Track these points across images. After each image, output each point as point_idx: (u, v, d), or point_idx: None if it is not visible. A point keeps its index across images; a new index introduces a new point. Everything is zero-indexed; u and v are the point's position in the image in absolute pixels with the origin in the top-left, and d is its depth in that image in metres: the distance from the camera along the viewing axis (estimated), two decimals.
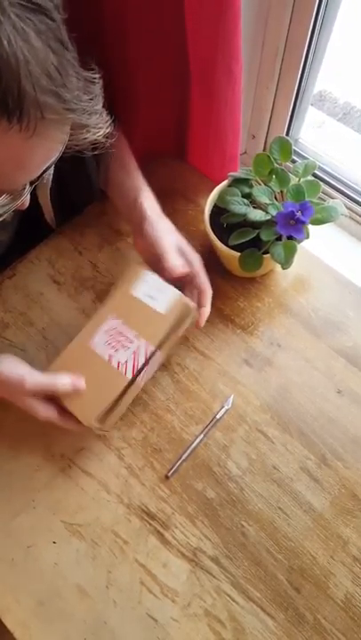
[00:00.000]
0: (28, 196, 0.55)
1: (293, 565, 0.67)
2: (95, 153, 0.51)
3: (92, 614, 0.64)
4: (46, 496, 0.70)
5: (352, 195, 0.95)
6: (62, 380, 0.65)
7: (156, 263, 0.71)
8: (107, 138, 0.49)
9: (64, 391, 0.65)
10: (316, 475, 0.71)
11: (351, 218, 0.96)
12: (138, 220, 0.75)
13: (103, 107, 0.47)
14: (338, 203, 0.76)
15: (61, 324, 0.81)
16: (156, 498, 0.70)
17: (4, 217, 0.54)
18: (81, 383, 0.66)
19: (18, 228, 0.86)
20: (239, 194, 0.76)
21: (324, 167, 0.98)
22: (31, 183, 0.53)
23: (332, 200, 0.77)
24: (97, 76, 0.46)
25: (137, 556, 0.67)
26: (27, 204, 0.55)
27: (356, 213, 0.96)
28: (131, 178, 0.81)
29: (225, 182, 0.81)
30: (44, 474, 0.71)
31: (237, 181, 0.78)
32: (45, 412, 0.66)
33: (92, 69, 0.45)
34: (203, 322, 0.72)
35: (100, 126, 0.47)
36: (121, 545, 0.67)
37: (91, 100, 0.45)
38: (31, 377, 0.65)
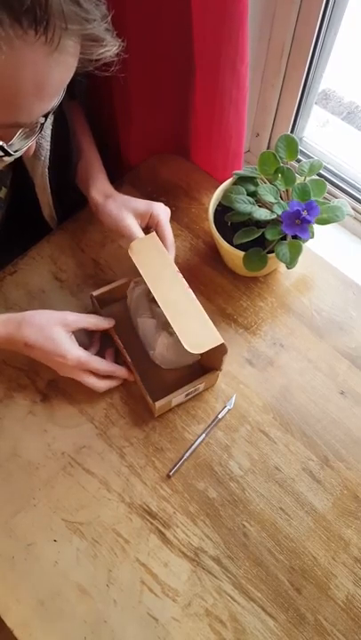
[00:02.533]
0: (33, 144, 0.55)
1: (295, 566, 0.66)
2: (106, 74, 0.50)
3: (92, 613, 0.64)
4: (47, 494, 0.70)
5: (356, 194, 0.95)
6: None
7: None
8: (117, 56, 0.48)
9: (104, 326, 0.73)
10: (319, 476, 0.71)
11: (355, 218, 0.95)
12: (94, 208, 0.79)
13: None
14: (343, 202, 0.75)
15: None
16: (157, 497, 0.70)
17: (15, 157, 0.53)
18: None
19: (16, 227, 0.85)
20: (244, 192, 0.76)
21: (328, 166, 0.97)
22: (41, 122, 0.51)
23: (336, 199, 0.77)
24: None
25: (138, 556, 0.67)
26: (32, 151, 0.56)
27: (359, 212, 0.95)
28: (85, 162, 0.83)
29: (230, 180, 0.80)
30: (44, 472, 0.71)
31: (242, 179, 0.78)
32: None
33: None
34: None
35: (112, 43, 0.47)
36: (122, 544, 0.67)
37: (102, 15, 0.45)
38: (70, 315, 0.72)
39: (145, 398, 0.73)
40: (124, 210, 0.76)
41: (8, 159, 0.53)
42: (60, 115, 0.75)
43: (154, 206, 0.76)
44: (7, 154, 0.51)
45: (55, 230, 0.90)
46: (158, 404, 0.70)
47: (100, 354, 0.75)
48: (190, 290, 0.69)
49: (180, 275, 0.70)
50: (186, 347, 0.64)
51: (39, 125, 0.52)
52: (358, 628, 0.63)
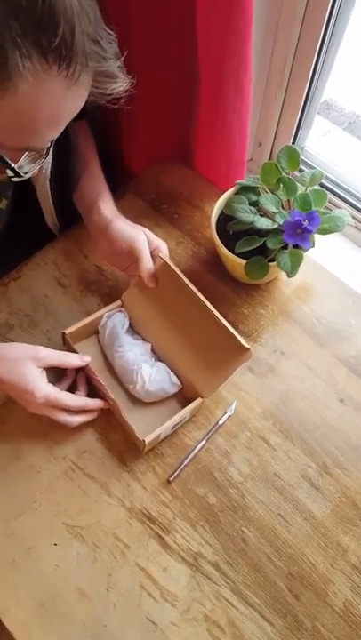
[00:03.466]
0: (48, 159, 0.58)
1: (293, 572, 0.67)
2: (115, 106, 0.53)
3: (91, 617, 0.64)
4: (48, 498, 0.70)
5: (357, 204, 0.96)
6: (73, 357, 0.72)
7: (121, 262, 0.78)
8: (126, 92, 0.53)
9: (77, 364, 0.73)
10: (317, 483, 0.72)
11: (356, 227, 0.96)
12: (101, 224, 0.78)
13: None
14: (344, 212, 0.76)
15: (66, 327, 0.82)
16: (157, 502, 0.70)
17: (24, 178, 0.56)
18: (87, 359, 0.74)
19: (19, 234, 0.86)
20: (246, 201, 0.77)
21: (329, 176, 0.98)
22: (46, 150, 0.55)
23: (338, 209, 0.78)
24: (114, 35, 0.49)
25: (138, 560, 0.67)
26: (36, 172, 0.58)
27: (360, 222, 0.96)
28: (92, 180, 0.84)
29: (232, 190, 0.82)
30: (46, 476, 0.71)
31: (245, 189, 0.79)
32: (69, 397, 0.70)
33: (112, 29, 0.49)
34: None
35: (123, 80, 0.51)
36: (122, 548, 0.68)
37: (115, 54, 0.49)
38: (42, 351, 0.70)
39: (132, 436, 0.71)
40: (140, 229, 0.76)
41: (17, 179, 0.56)
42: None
43: (161, 242, 0.77)
44: (17, 175, 0.54)
45: (59, 237, 0.91)
46: (148, 439, 0.69)
47: (73, 388, 0.74)
48: (208, 302, 0.71)
49: (199, 294, 0.72)
50: (241, 341, 0.68)
51: (46, 150, 0.55)
52: (356, 635, 0.64)
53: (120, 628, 0.64)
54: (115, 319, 0.78)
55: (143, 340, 0.79)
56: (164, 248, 0.77)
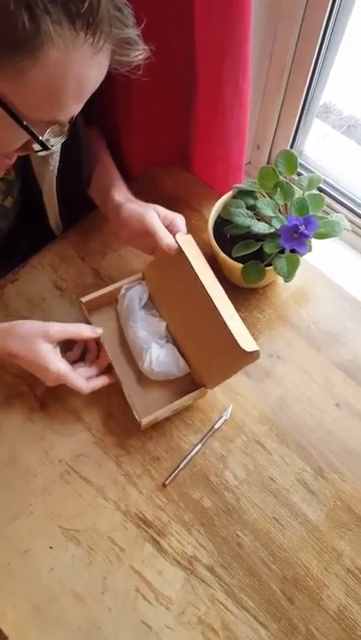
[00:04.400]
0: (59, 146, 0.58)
1: (287, 576, 0.67)
2: (134, 76, 0.54)
3: (86, 620, 0.64)
4: (44, 501, 0.70)
5: (355, 208, 0.96)
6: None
7: (142, 243, 0.76)
8: (146, 60, 0.53)
9: (88, 336, 0.74)
10: (313, 487, 0.72)
11: (353, 231, 0.97)
12: (114, 210, 0.78)
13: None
14: (341, 217, 0.76)
15: None
16: (153, 506, 0.71)
17: (51, 151, 0.56)
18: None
19: (22, 235, 0.86)
20: (243, 206, 0.77)
21: (327, 179, 0.99)
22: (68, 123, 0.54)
23: (335, 214, 0.78)
24: (130, 5, 0.49)
25: (133, 563, 0.67)
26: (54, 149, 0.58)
27: (358, 226, 0.97)
28: (105, 173, 0.84)
29: (229, 193, 0.82)
30: (41, 479, 0.72)
31: (242, 193, 0.79)
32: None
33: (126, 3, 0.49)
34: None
35: (143, 47, 0.51)
36: (117, 552, 0.68)
37: (134, 23, 0.49)
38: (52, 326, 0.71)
39: (132, 412, 0.73)
40: (149, 207, 0.76)
41: (44, 153, 0.56)
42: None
43: (176, 216, 0.76)
44: (45, 148, 0.54)
45: (56, 239, 0.91)
46: (144, 421, 0.70)
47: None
48: (226, 295, 0.70)
49: (216, 279, 0.71)
50: (241, 344, 0.65)
51: (67, 127, 0.55)
52: (349, 639, 0.64)
53: (115, 631, 0.64)
54: (133, 292, 0.80)
55: (160, 317, 0.80)
56: (180, 221, 0.75)
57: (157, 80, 0.81)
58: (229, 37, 0.70)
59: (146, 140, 0.92)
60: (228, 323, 0.66)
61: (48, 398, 0.77)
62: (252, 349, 0.66)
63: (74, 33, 0.43)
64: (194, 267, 0.69)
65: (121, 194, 0.80)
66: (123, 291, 0.80)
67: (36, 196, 0.81)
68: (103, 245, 0.90)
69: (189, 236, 0.74)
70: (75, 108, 0.52)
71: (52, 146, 0.54)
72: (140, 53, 0.51)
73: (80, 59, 0.46)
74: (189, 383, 0.76)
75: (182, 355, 0.77)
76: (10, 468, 0.72)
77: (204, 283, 0.69)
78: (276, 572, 0.67)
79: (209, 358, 0.73)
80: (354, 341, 0.82)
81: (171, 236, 0.72)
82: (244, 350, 0.65)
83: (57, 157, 0.74)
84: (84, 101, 0.52)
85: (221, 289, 0.71)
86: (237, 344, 0.65)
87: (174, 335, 0.79)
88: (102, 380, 0.74)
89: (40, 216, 0.86)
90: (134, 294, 0.80)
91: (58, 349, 0.72)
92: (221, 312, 0.67)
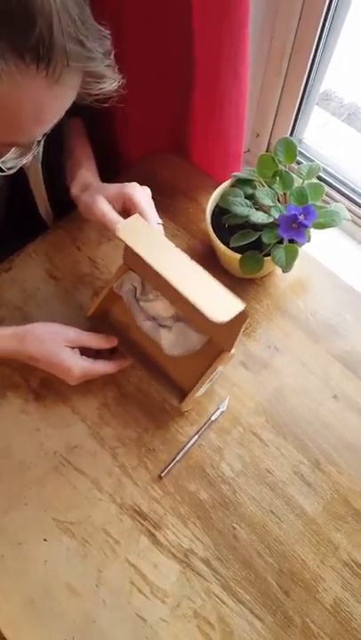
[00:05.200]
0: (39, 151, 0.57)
1: (284, 569, 0.67)
2: (105, 105, 0.53)
3: (81, 613, 0.64)
4: (38, 493, 0.70)
5: (355, 197, 0.95)
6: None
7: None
8: (117, 91, 0.52)
9: (105, 346, 0.74)
10: (310, 479, 0.71)
11: (353, 221, 0.95)
12: (76, 203, 0.77)
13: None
14: (340, 207, 0.75)
15: (57, 320, 0.80)
16: (148, 498, 0.70)
17: (8, 173, 0.55)
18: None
19: (13, 225, 0.84)
20: (242, 195, 0.76)
21: (327, 168, 0.97)
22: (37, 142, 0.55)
23: (334, 204, 0.77)
24: (108, 32, 0.48)
25: (128, 556, 0.67)
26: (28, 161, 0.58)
27: (358, 216, 0.95)
28: (72, 165, 0.82)
29: (228, 182, 0.80)
30: (36, 471, 0.71)
31: (240, 182, 0.78)
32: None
33: (104, 25, 0.47)
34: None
35: (112, 79, 0.50)
36: (112, 544, 0.67)
37: (104, 52, 0.48)
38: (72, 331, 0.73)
39: (167, 399, 0.73)
40: (96, 196, 0.71)
41: (0, 174, 0.55)
42: None
43: (126, 187, 0.71)
44: (0, 170, 0.54)
45: (51, 228, 0.89)
46: (184, 406, 0.70)
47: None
48: (194, 261, 0.63)
49: (178, 249, 0.64)
50: (211, 318, 0.57)
51: (35, 143, 0.54)
52: (345, 632, 0.64)
53: (110, 625, 0.64)
54: (125, 285, 0.76)
55: (157, 298, 0.75)
56: (137, 194, 0.70)
57: (155, 66, 0.80)
58: (228, 23, 0.68)
59: (143, 127, 0.90)
60: (192, 299, 0.59)
61: (43, 389, 0.76)
62: (227, 318, 0.58)
63: (23, 65, 0.42)
64: (139, 253, 0.62)
65: (78, 184, 0.77)
66: (117, 290, 0.77)
67: (24, 186, 0.80)
68: (99, 234, 0.89)
69: (134, 219, 0.66)
70: (38, 132, 0.51)
71: (8, 168, 0.54)
72: (107, 86, 0.50)
73: (35, 89, 0.44)
74: (209, 353, 0.72)
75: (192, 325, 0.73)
76: (4, 459, 0.71)
77: (154, 265, 0.61)
78: (272, 565, 0.67)
79: (211, 325, 0.63)
80: (352, 333, 0.81)
81: (119, 222, 0.68)
82: (219, 321, 0.58)
83: (41, 148, 0.72)
84: (51, 124, 0.51)
85: (184, 258, 0.63)
86: (208, 318, 0.58)
87: (178, 310, 0.74)
88: (125, 361, 0.75)
89: (32, 206, 0.84)
90: (127, 287, 0.77)
91: (77, 351, 0.72)
92: (183, 291, 0.59)
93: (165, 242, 0.64)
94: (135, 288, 0.77)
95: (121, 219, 0.69)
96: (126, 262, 0.76)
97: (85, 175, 0.79)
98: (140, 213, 0.69)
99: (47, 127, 0.51)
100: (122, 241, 0.63)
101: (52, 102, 0.47)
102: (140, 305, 0.76)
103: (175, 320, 0.75)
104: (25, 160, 0.55)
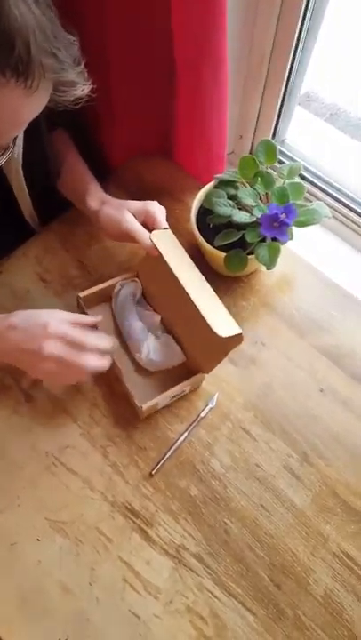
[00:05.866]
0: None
1: (275, 562, 0.68)
2: (77, 106, 0.56)
3: (75, 611, 0.65)
4: (30, 493, 0.70)
5: (336, 195, 0.96)
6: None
7: (132, 240, 0.76)
8: (89, 94, 0.56)
9: (90, 322, 0.71)
10: (298, 472, 0.72)
11: (335, 218, 0.97)
12: (92, 217, 0.81)
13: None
14: (321, 205, 0.76)
15: None
16: (140, 495, 0.71)
17: None
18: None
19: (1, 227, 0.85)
20: (225, 195, 0.77)
21: (310, 167, 0.99)
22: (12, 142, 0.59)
23: (316, 202, 0.78)
24: (75, 38, 0.52)
25: (120, 554, 0.68)
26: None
27: (341, 213, 0.97)
28: (76, 176, 0.86)
29: (211, 183, 0.82)
30: (28, 471, 0.72)
31: (223, 183, 0.79)
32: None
33: (71, 32, 0.51)
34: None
35: (84, 83, 0.54)
36: (105, 542, 0.68)
37: (74, 59, 0.52)
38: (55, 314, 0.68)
39: (131, 401, 0.73)
40: (123, 210, 0.77)
41: None
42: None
43: (149, 205, 0.78)
44: None
45: (41, 231, 0.90)
46: (145, 406, 0.71)
47: None
48: (208, 283, 0.72)
49: (196, 268, 0.73)
50: (214, 329, 0.65)
51: (12, 142, 0.58)
52: (336, 623, 0.65)
53: (103, 622, 0.64)
54: (127, 288, 0.81)
55: (154, 310, 0.81)
56: (154, 208, 0.77)
57: (137, 69, 0.81)
58: (206, 27, 0.69)
59: (128, 129, 0.91)
60: (202, 311, 0.67)
61: (34, 391, 0.76)
62: (228, 334, 0.66)
63: (3, 80, 0.45)
64: (168, 261, 0.71)
65: (95, 198, 0.81)
66: (117, 287, 0.81)
67: (7, 190, 0.81)
68: (89, 237, 0.90)
69: (165, 231, 0.75)
70: (12, 134, 0.55)
71: None
72: (78, 92, 0.54)
73: (13, 99, 0.48)
74: (187, 372, 0.76)
75: (178, 344, 0.78)
76: None
77: (178, 275, 0.70)
78: (263, 559, 0.68)
79: (200, 345, 0.74)
80: (337, 327, 0.83)
81: (148, 240, 0.74)
82: (220, 336, 0.65)
83: (21, 144, 0.73)
84: (24, 126, 0.55)
85: (200, 277, 0.72)
86: (213, 331, 0.65)
87: (169, 326, 0.80)
88: (108, 360, 0.70)
89: (16, 211, 0.85)
90: (129, 290, 0.81)
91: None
92: (196, 302, 0.68)
93: (187, 257, 0.74)
94: (135, 295, 0.80)
95: (147, 232, 0.75)
96: (141, 268, 0.82)
97: (97, 189, 0.83)
98: (159, 226, 0.77)
99: (21, 129, 0.55)
100: (155, 248, 0.72)
101: (28, 109, 0.52)
102: (136, 309, 0.79)
103: (163, 332, 0.79)
104: (3, 159, 0.60)
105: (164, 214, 0.78)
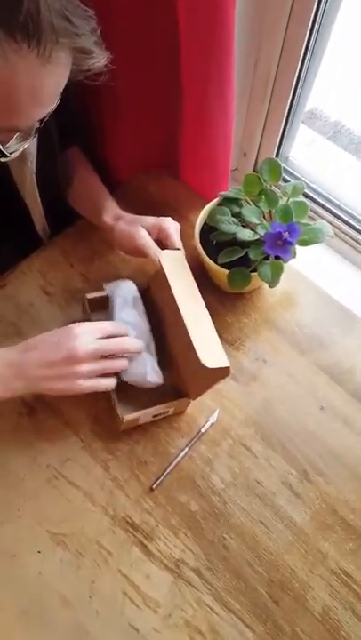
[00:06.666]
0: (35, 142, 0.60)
1: (273, 578, 0.68)
2: (97, 83, 0.54)
3: (74, 624, 0.65)
4: (32, 506, 0.71)
5: (339, 213, 0.98)
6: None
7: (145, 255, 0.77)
8: (106, 67, 0.54)
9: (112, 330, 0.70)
10: (298, 490, 0.73)
11: (337, 236, 0.98)
12: (107, 233, 0.82)
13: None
14: (324, 224, 0.78)
15: None
16: (140, 510, 0.71)
17: (11, 158, 0.57)
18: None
19: (8, 243, 0.86)
20: (229, 213, 0.78)
21: (313, 186, 1.00)
22: (39, 124, 0.56)
23: (319, 220, 0.79)
24: (93, 12, 0.49)
25: (120, 567, 0.68)
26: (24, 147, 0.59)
27: (343, 232, 0.98)
28: (91, 192, 0.88)
29: (215, 200, 0.83)
30: (29, 484, 0.72)
31: (227, 200, 0.80)
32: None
33: (88, 6, 0.49)
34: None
35: (101, 55, 0.52)
36: (105, 556, 0.69)
37: (91, 30, 0.49)
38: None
39: (114, 411, 0.73)
40: (137, 226, 0.78)
41: (3, 160, 0.57)
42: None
43: (163, 221, 0.79)
44: (3, 155, 0.55)
45: (45, 245, 0.91)
46: (127, 418, 0.71)
47: None
48: (208, 312, 0.72)
49: (200, 295, 0.73)
50: (201, 358, 0.65)
51: (35, 129, 0.56)
52: None
53: (102, 635, 0.65)
54: (114, 292, 0.79)
55: (158, 323, 0.78)
56: (169, 225, 0.78)
57: (144, 87, 0.83)
58: (213, 47, 0.71)
59: (133, 145, 0.93)
60: (194, 340, 0.66)
61: (36, 404, 0.77)
62: (214, 365, 0.65)
63: (15, 45, 0.44)
64: (170, 284, 0.71)
65: (110, 214, 0.82)
66: (106, 291, 0.79)
67: (20, 201, 0.82)
68: (92, 251, 0.91)
69: (174, 252, 0.76)
70: (36, 114, 0.52)
71: (11, 153, 0.56)
72: (96, 61, 0.51)
73: (28, 69, 0.46)
74: (176, 393, 0.76)
75: (173, 364, 0.76)
76: None
77: (177, 300, 0.70)
78: (262, 575, 0.68)
79: (191, 371, 0.73)
80: (338, 345, 0.84)
81: (159, 254, 0.74)
82: (205, 366, 0.65)
83: (34, 152, 0.74)
84: (49, 106, 0.52)
85: (201, 304, 0.72)
86: (200, 360, 0.65)
87: (171, 345, 0.78)
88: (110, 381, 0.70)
89: (27, 223, 0.87)
90: (115, 293, 0.79)
91: None
92: (190, 329, 0.67)
93: (193, 282, 0.74)
94: (124, 299, 0.79)
95: (159, 249, 0.76)
96: (153, 279, 0.82)
97: (113, 205, 0.85)
98: (172, 243, 0.77)
99: (45, 109, 0.52)
100: (162, 268, 0.73)
101: (47, 81, 0.49)
102: (119, 315, 0.77)
103: (145, 349, 0.75)
104: (26, 144, 0.57)
105: (178, 231, 0.79)
